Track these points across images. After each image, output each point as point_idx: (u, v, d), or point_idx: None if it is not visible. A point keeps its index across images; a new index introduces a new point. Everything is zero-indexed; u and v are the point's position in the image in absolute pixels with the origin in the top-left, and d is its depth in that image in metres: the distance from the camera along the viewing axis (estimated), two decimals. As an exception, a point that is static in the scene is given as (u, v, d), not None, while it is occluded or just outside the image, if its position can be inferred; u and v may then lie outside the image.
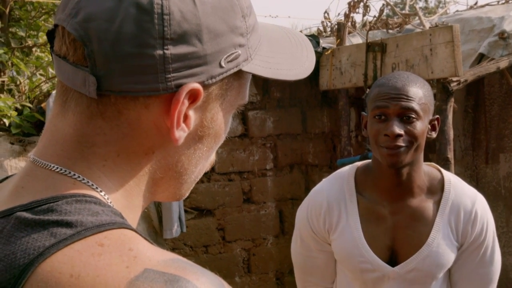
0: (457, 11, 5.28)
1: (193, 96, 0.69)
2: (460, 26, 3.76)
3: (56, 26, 0.71)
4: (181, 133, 0.69)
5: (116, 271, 0.59)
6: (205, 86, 0.70)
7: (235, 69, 0.72)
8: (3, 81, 3.85)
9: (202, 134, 0.73)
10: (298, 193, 4.73)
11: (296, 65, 0.79)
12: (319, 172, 4.80)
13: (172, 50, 0.66)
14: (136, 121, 0.69)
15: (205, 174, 4.51)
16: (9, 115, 3.54)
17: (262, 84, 4.70)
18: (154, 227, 4.20)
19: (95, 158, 0.69)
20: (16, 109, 3.68)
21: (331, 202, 1.90)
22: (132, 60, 0.65)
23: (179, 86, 0.67)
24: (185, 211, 4.35)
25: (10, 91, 3.90)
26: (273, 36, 0.80)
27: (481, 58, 4.26)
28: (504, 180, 4.83)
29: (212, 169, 4.54)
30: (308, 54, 0.83)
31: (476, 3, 5.19)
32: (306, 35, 4.81)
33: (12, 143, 3.63)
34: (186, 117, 0.70)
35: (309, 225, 1.93)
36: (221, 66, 0.70)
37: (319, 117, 4.92)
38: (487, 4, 4.96)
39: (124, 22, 0.65)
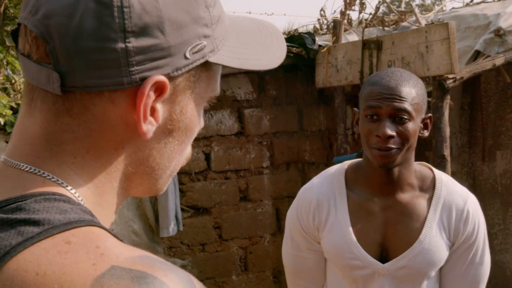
0: (453, 8, 5.27)
1: (159, 89, 0.68)
2: (456, 23, 3.75)
3: (19, 25, 0.70)
4: (149, 127, 0.69)
5: (82, 268, 0.58)
6: (171, 78, 0.69)
7: (202, 60, 0.71)
8: (-2, 80, 3.84)
9: (171, 127, 0.73)
10: (295, 191, 4.69)
11: (266, 55, 0.79)
12: (315, 170, 4.79)
13: (134, 43, 0.66)
14: (102, 117, 0.68)
15: (201, 172, 4.50)
16: (4, 114, 3.52)
17: (258, 81, 4.70)
18: (150, 226, 4.20)
19: (64, 155, 0.69)
20: (11, 108, 3.67)
21: (321, 198, 1.89)
22: (94, 54, 0.65)
23: (144, 79, 0.67)
24: (182, 209, 4.34)
25: (5, 89, 3.89)
26: (241, 27, 0.80)
27: (477, 55, 4.26)
28: (501, 177, 4.83)
29: (209, 167, 4.54)
30: (278, 44, 0.82)
31: (472, 0, 5.18)
32: (302, 33, 4.81)
33: (7, 142, 3.62)
34: (153, 110, 0.69)
35: (299, 222, 1.92)
36: (186, 58, 0.69)
37: (316, 115, 4.92)
38: (483, 1, 4.95)
39: (84, 17, 0.64)
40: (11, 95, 3.88)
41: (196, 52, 0.70)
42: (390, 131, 1.71)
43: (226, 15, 0.77)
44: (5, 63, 3.89)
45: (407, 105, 1.72)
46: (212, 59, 0.72)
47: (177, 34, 0.68)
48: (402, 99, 1.72)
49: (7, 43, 3.89)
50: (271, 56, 0.80)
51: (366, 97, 1.78)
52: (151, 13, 0.66)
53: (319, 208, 1.89)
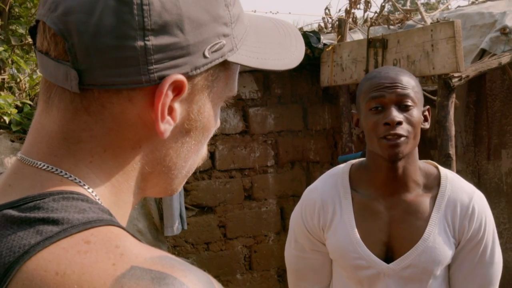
0: (458, 6, 5.25)
1: (177, 88, 0.68)
2: (461, 21, 3.74)
3: (37, 22, 0.70)
4: (166, 126, 0.68)
5: (102, 268, 0.58)
6: (190, 77, 0.69)
7: (220, 60, 0.70)
8: (3, 79, 3.85)
9: (189, 127, 0.72)
10: (299, 190, 4.71)
11: (285, 55, 0.78)
12: (320, 169, 4.79)
13: (153, 41, 0.65)
14: (120, 115, 0.68)
15: (206, 171, 4.50)
16: (9, 112, 3.53)
17: (263, 80, 4.69)
18: (155, 225, 4.20)
19: (81, 154, 0.68)
20: (17, 107, 3.67)
21: (325, 199, 1.88)
22: (113, 52, 0.64)
23: (162, 77, 0.66)
24: (186, 208, 4.34)
25: (10, 88, 3.89)
26: (260, 27, 0.79)
27: (482, 53, 4.24)
28: (506, 176, 4.82)
29: (213, 166, 4.53)
30: (297, 44, 0.82)
31: (477, -1, 5.17)
32: (307, 31, 4.80)
33: (13, 141, 3.62)
34: (171, 109, 0.69)
35: (303, 224, 1.91)
36: (205, 57, 0.69)
37: (320, 114, 4.91)
38: (489, 0, 4.94)
39: (104, 14, 0.64)
40: (16, 94, 3.89)
41: (215, 51, 0.70)
42: (398, 117, 1.72)
43: (245, 14, 0.76)
44: (10, 62, 3.89)
45: (409, 91, 1.74)
46: (231, 58, 0.72)
47: (197, 32, 0.67)
48: (404, 86, 1.75)
49: (12, 42, 3.89)
50: (290, 55, 0.79)
51: (366, 91, 1.78)
52: (170, 11, 0.65)
53: (324, 208, 1.88)
